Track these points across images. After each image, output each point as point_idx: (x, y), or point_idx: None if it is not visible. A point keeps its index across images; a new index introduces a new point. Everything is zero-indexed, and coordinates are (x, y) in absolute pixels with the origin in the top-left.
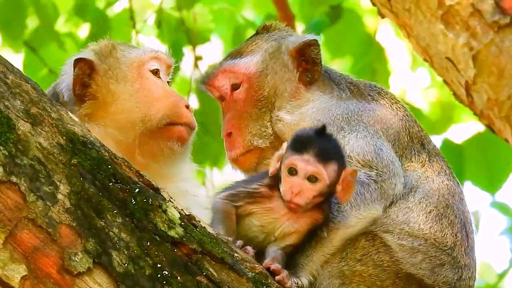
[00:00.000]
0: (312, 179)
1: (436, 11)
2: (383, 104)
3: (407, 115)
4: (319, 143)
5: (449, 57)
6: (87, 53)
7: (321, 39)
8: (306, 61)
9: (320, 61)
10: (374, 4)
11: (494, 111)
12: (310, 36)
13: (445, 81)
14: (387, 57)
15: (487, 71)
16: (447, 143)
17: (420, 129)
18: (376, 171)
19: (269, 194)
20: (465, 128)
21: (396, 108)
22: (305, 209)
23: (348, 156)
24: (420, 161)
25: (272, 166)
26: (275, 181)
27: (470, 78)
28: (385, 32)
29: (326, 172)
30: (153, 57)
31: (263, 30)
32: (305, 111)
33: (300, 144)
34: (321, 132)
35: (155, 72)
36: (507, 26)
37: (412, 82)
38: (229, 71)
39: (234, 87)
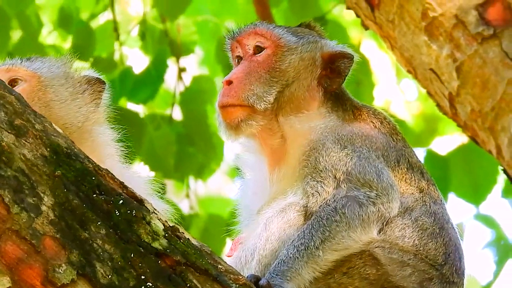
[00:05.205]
0: None
1: (420, 22)
2: (384, 132)
3: (405, 146)
4: None
5: (433, 69)
6: None
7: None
8: (332, 69)
9: (345, 76)
10: (358, 16)
11: (478, 123)
12: (350, 50)
13: (428, 93)
14: (372, 69)
15: (471, 82)
16: (431, 155)
17: (417, 159)
18: (376, 192)
19: None
20: (449, 141)
21: (396, 139)
22: None
23: (349, 173)
24: (419, 187)
25: None
26: None
27: (453, 89)
28: (369, 44)
29: None
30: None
31: (307, 27)
32: (314, 126)
33: None
34: None
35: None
36: (491, 37)
37: (397, 94)
38: (261, 34)
39: (257, 50)
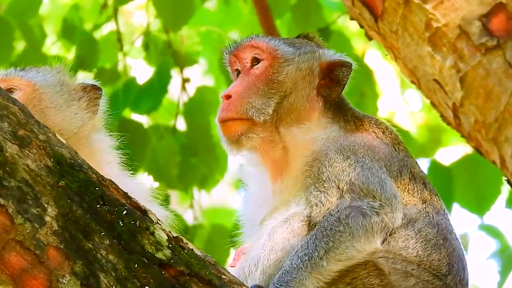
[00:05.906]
0: None
1: (423, 33)
2: (386, 143)
3: (407, 156)
4: None
5: (437, 79)
6: None
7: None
8: (331, 79)
9: (344, 85)
10: (361, 26)
11: (481, 133)
12: (348, 59)
13: (432, 103)
14: (376, 79)
15: (475, 93)
16: (435, 165)
17: (420, 170)
18: (379, 202)
19: None
20: (453, 152)
21: (398, 149)
22: None
23: (352, 183)
24: (422, 198)
25: None
26: None
27: (457, 100)
28: (374, 55)
29: None
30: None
31: (306, 37)
32: (316, 136)
33: None
34: None
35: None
36: (494, 48)
37: (401, 105)
38: (257, 46)
39: (255, 62)
